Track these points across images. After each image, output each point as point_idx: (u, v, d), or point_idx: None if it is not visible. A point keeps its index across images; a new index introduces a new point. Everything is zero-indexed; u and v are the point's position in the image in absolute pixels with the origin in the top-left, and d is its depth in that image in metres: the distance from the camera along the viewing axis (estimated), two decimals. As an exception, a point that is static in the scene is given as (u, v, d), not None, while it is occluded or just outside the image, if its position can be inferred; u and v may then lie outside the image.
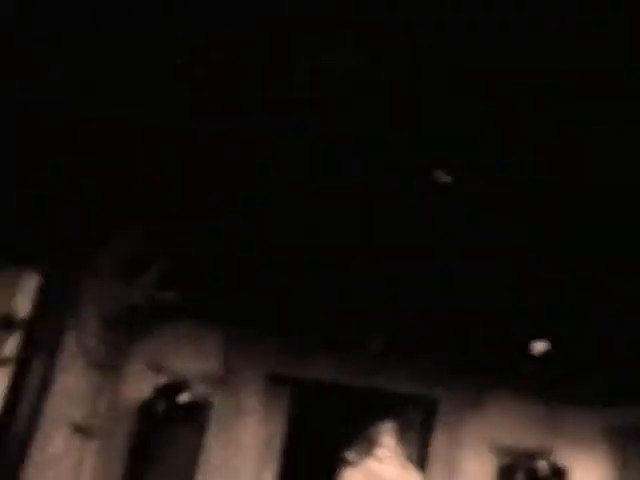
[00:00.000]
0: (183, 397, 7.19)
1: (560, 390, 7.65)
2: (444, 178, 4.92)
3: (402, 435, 8.03)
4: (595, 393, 7.49)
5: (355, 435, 7.14)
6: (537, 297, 6.40)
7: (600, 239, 5.50)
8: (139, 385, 7.69)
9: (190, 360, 7.86)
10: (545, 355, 6.94)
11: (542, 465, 7.43)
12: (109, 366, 7.45)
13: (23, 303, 5.72)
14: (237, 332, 7.92)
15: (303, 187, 5.21)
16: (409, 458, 7.14)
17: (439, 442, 7.82)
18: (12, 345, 5.59)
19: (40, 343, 5.70)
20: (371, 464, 6.34)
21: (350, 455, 7.02)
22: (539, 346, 6.95)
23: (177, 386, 7.35)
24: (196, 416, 7.22)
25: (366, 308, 6.99)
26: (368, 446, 6.96)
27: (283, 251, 6.30)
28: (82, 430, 7.07)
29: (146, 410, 7.37)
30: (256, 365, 7.86)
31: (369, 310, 7.03)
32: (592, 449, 7.88)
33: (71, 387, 6.23)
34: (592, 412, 7.81)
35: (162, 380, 7.57)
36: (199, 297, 7.12)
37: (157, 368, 7.79)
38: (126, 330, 7.65)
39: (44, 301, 5.69)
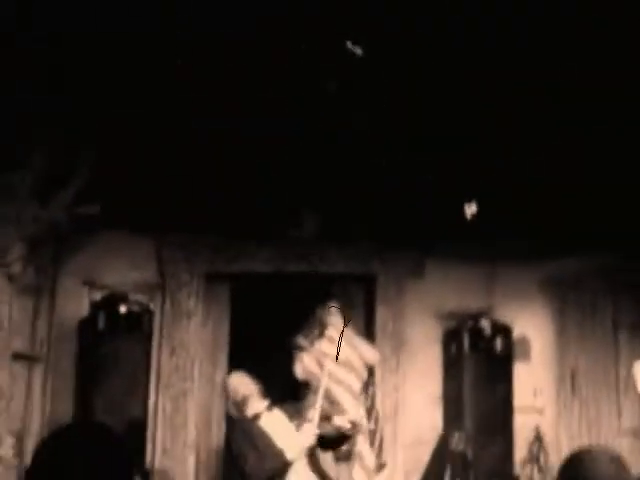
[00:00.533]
0: (122, 309, 7.09)
1: (496, 250, 7.76)
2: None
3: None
4: (531, 248, 7.61)
5: (301, 321, 7.16)
6: (461, 162, 6.42)
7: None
8: (76, 303, 7.58)
9: (125, 271, 7.75)
10: (477, 217, 6.99)
11: (485, 325, 7.58)
12: (41, 289, 7.31)
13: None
14: (169, 237, 7.79)
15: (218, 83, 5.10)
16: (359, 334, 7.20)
17: (382, 316, 7.91)
18: None
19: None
20: (322, 346, 6.36)
21: (300, 340, 7.06)
22: (470, 209, 6.98)
23: (115, 299, 7.24)
24: (138, 326, 7.15)
25: (297, 192, 6.92)
26: (316, 330, 7.00)
27: (206, 145, 6.18)
28: (25, 358, 6.97)
29: (87, 327, 7.28)
30: (192, 267, 7.78)
31: (300, 194, 6.97)
32: (532, 303, 8.06)
33: (5, 317, 6.10)
34: (529, 267, 7.96)
35: (99, 295, 7.45)
36: (125, 207, 6.96)
37: (92, 284, 7.67)
38: (54, 250, 7.48)
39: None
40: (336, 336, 6.47)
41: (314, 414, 5.63)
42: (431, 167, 6.50)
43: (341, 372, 6.19)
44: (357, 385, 6.21)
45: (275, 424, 5.63)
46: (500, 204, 6.96)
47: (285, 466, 5.39)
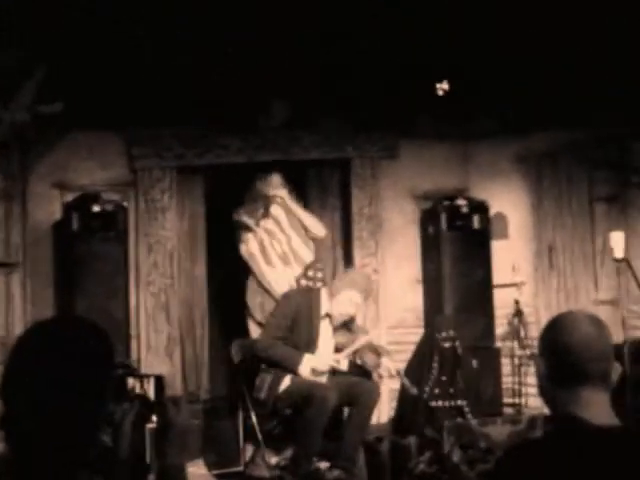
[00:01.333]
0: (95, 209, 6.99)
1: (470, 127, 7.69)
2: None
3: (322, 201, 8.11)
4: (505, 123, 7.54)
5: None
6: (433, 40, 6.29)
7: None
8: (48, 207, 7.49)
9: (95, 170, 7.64)
10: (449, 94, 6.90)
11: (462, 202, 7.57)
12: (12, 195, 7.20)
13: None
14: (139, 133, 7.65)
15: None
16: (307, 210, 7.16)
17: (359, 200, 7.88)
18: None
19: None
20: (267, 225, 6.28)
21: (243, 218, 7.02)
22: (442, 87, 6.88)
23: (87, 199, 7.14)
24: (113, 225, 7.06)
25: (266, 80, 6.78)
26: (261, 206, 6.97)
27: (174, 37, 6.02)
28: (1, 265, 6.92)
29: (61, 230, 7.20)
30: (164, 162, 7.67)
31: (269, 81, 6.83)
32: (508, 180, 8.05)
33: (-23, 224, 6.00)
34: (504, 143, 7.91)
35: (71, 197, 7.34)
36: (91, 104, 6.77)
37: (63, 186, 7.56)
38: (22, 154, 7.35)
39: None
40: (281, 213, 6.40)
41: (348, 349, 5.52)
42: (403, 45, 6.36)
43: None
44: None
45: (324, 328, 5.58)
46: (472, 81, 6.87)
47: (289, 369, 5.35)
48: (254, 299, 7.04)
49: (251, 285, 7.12)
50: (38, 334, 1.76)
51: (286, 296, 5.73)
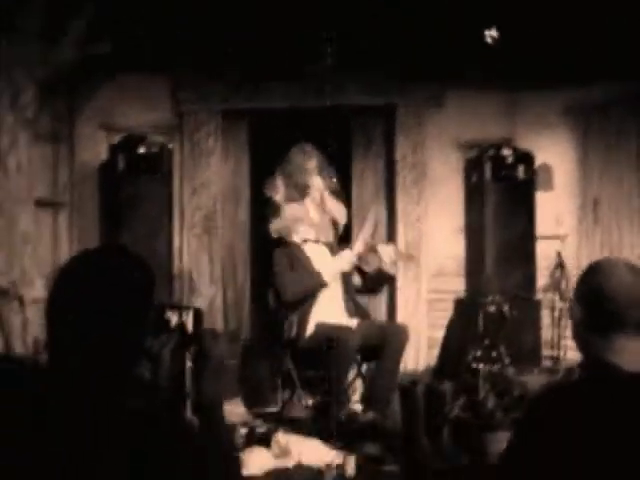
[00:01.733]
0: (141, 150, 7.06)
1: (518, 77, 7.57)
2: None
3: (366, 148, 8.09)
4: (552, 75, 7.41)
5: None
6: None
7: None
8: (95, 148, 7.59)
9: (141, 112, 7.70)
10: (498, 43, 6.80)
11: (507, 152, 7.49)
12: (59, 135, 7.29)
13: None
14: (185, 76, 7.70)
15: None
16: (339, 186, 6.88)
17: (403, 148, 7.85)
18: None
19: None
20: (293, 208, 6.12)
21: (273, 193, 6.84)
22: (491, 34, 6.78)
23: (133, 141, 7.20)
24: (158, 167, 7.13)
25: (311, 24, 6.74)
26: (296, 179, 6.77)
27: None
28: (48, 204, 7.03)
29: (107, 170, 7.29)
30: (209, 105, 7.71)
31: (315, 25, 6.79)
32: (554, 131, 7.93)
33: (24, 164, 6.10)
34: (551, 94, 7.77)
35: (117, 138, 7.41)
36: (139, 47, 6.81)
37: (109, 127, 7.64)
38: (68, 95, 7.41)
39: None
40: (317, 195, 6.21)
41: (357, 245, 5.66)
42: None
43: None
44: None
45: (318, 253, 5.74)
46: (520, 30, 6.75)
47: (319, 286, 5.51)
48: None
49: None
50: (82, 262, 1.80)
51: (275, 254, 5.78)
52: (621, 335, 2.03)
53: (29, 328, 5.86)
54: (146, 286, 1.79)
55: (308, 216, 5.91)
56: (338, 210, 6.19)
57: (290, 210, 5.95)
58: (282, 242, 5.93)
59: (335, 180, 6.33)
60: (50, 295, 1.74)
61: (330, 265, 5.57)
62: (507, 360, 5.60)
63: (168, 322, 2.09)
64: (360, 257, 5.66)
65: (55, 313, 1.73)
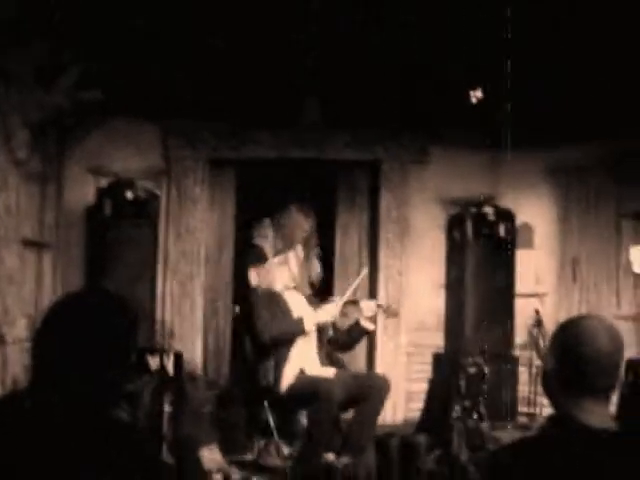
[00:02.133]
0: (128, 195, 7.12)
1: (500, 137, 7.72)
2: None
3: (351, 202, 8.20)
4: (535, 136, 7.57)
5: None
6: (468, 47, 6.34)
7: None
8: (82, 190, 7.64)
9: (130, 157, 7.78)
10: (482, 103, 6.95)
11: (489, 210, 7.61)
12: (48, 177, 7.35)
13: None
14: (174, 123, 7.80)
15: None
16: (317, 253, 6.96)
17: (387, 203, 7.96)
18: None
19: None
20: (289, 260, 6.15)
21: (257, 239, 6.94)
22: (475, 94, 6.94)
23: (121, 185, 7.27)
24: (144, 212, 7.19)
25: (301, 78, 6.87)
26: (280, 235, 6.84)
27: (210, 32, 6.12)
28: (34, 244, 7.07)
29: (94, 214, 7.34)
30: (197, 153, 7.81)
31: (304, 80, 6.92)
32: (536, 191, 8.08)
33: (13, 203, 6.16)
34: (534, 155, 7.95)
35: (105, 182, 7.49)
36: (129, 93, 6.93)
37: (98, 170, 7.71)
38: (58, 137, 7.49)
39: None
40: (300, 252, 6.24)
41: (338, 300, 5.66)
42: (437, 52, 6.43)
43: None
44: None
45: (297, 301, 5.74)
46: (505, 91, 6.90)
47: (299, 332, 5.47)
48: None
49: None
50: (66, 304, 1.86)
51: (256, 295, 5.79)
52: (590, 398, 2.07)
53: (9, 368, 5.87)
54: (127, 329, 1.85)
55: (290, 267, 5.94)
56: (315, 269, 6.28)
57: (274, 259, 6.01)
58: (256, 289, 5.95)
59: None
60: (35, 334, 1.79)
61: (312, 315, 5.57)
62: (482, 412, 5.64)
63: (148, 365, 2.14)
64: (342, 311, 5.69)
65: (38, 352, 1.78)
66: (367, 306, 5.66)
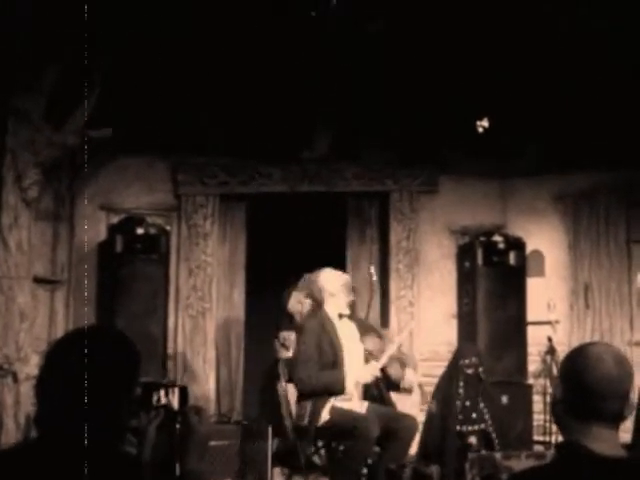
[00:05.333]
0: (139, 231, 7.17)
1: (509, 165, 7.76)
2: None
3: (361, 233, 8.22)
4: (544, 162, 7.60)
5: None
6: (474, 76, 6.39)
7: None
8: (94, 228, 7.70)
9: (141, 194, 7.85)
10: (490, 132, 6.99)
11: (499, 239, 7.61)
12: (60, 215, 7.41)
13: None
14: (184, 159, 7.87)
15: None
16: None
17: (397, 233, 7.98)
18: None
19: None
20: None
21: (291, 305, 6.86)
22: (482, 124, 6.98)
23: (132, 222, 7.32)
24: (156, 248, 7.23)
25: (309, 112, 6.93)
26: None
27: (220, 68, 6.19)
28: (47, 281, 7.11)
29: (105, 250, 7.39)
30: (207, 189, 7.87)
31: (313, 114, 6.99)
32: (546, 218, 8.10)
33: (25, 241, 6.20)
34: (543, 181, 7.97)
35: (116, 219, 7.55)
36: (140, 131, 7.01)
37: (109, 208, 7.77)
38: (71, 176, 7.56)
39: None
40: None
41: (383, 356, 5.50)
42: (444, 83, 6.48)
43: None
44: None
45: (348, 330, 5.54)
46: (513, 120, 6.95)
47: (338, 392, 5.29)
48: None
49: None
50: (71, 341, 1.88)
51: (305, 327, 5.59)
52: (598, 424, 2.06)
53: (22, 405, 5.88)
54: (131, 365, 1.87)
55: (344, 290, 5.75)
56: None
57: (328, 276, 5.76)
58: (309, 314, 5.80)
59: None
60: (39, 373, 1.82)
61: (355, 374, 5.36)
62: (496, 442, 5.64)
63: (154, 400, 2.16)
64: (387, 363, 5.58)
65: (42, 390, 1.80)
66: (410, 380, 5.61)
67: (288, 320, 6.66)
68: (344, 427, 5.10)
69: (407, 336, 6.16)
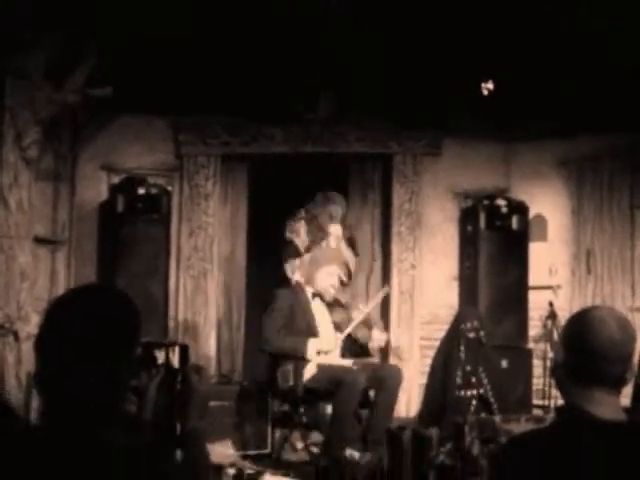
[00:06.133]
0: (140, 191, 7.14)
1: (514, 128, 7.71)
2: None
3: (363, 196, 8.20)
4: (548, 127, 7.55)
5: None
6: (477, 40, 6.32)
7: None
8: (95, 188, 7.67)
9: (142, 154, 7.81)
10: (494, 95, 6.93)
11: (502, 203, 7.59)
12: (60, 175, 7.39)
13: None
14: (186, 119, 7.81)
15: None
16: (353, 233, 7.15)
17: (399, 196, 7.95)
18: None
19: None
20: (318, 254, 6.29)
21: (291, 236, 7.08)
22: (487, 86, 6.91)
23: (133, 182, 7.29)
24: (157, 208, 7.20)
25: (313, 72, 6.87)
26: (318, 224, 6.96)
27: (222, 26, 6.12)
28: (47, 241, 7.11)
29: (106, 210, 7.37)
30: (209, 149, 7.82)
31: (316, 74, 6.92)
32: (549, 182, 8.05)
33: (25, 201, 6.18)
34: (547, 145, 7.92)
35: (117, 179, 7.52)
36: (141, 90, 6.94)
37: (110, 168, 7.74)
38: (72, 136, 7.53)
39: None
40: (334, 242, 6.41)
41: (350, 326, 5.72)
42: (449, 44, 6.41)
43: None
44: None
45: (319, 309, 5.80)
46: (517, 82, 6.89)
47: (299, 356, 5.49)
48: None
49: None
50: (70, 300, 1.86)
51: (277, 294, 5.82)
52: (600, 388, 2.06)
53: (23, 363, 5.90)
54: (132, 324, 1.85)
55: (326, 258, 6.03)
56: (351, 258, 6.35)
57: (306, 257, 6.06)
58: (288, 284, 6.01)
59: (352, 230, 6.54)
60: (39, 331, 1.80)
61: (317, 342, 5.56)
62: (495, 406, 5.68)
63: (154, 359, 2.15)
64: (354, 328, 5.77)
65: (43, 349, 1.79)
66: (378, 337, 5.74)
67: (293, 248, 6.83)
68: (330, 382, 5.21)
69: (379, 301, 6.25)
